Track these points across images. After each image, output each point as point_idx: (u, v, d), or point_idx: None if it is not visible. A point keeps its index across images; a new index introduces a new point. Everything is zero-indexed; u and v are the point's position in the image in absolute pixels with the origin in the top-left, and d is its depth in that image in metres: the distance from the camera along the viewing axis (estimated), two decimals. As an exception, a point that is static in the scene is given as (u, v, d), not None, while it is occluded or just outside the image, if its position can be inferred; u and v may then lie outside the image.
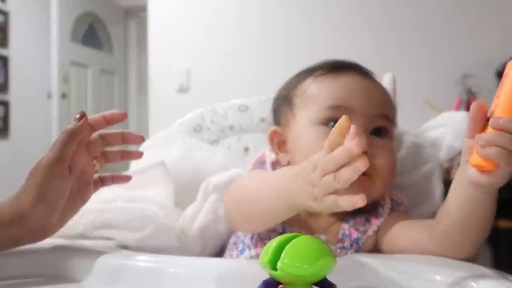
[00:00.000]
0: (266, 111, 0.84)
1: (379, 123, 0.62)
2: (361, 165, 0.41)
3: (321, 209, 0.45)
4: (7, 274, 0.54)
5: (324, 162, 0.44)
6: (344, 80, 0.64)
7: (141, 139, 0.63)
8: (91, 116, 0.60)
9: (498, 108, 0.42)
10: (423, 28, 2.23)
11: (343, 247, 0.61)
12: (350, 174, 0.42)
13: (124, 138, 0.62)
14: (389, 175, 0.62)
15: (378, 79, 0.69)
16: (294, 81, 0.70)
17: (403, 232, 0.58)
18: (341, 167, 0.42)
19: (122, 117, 0.61)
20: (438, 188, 0.71)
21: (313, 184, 0.44)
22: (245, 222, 0.60)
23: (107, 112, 0.61)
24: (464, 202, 0.50)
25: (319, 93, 0.64)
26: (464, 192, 0.49)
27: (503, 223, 1.65)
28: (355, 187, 0.58)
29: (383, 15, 2.30)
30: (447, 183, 2.01)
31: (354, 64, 0.68)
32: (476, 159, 0.43)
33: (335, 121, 0.61)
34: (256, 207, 0.56)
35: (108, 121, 0.61)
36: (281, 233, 0.61)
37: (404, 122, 0.78)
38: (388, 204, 0.64)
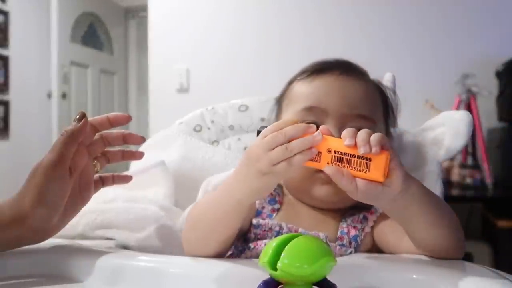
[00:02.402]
0: (266, 111, 0.84)
1: (354, 124, 0.62)
2: (315, 136, 0.45)
3: (271, 181, 0.47)
4: (7, 274, 0.54)
5: (271, 137, 0.46)
6: (319, 82, 0.65)
7: (142, 140, 0.63)
8: (94, 117, 0.60)
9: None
10: (423, 28, 2.24)
11: (342, 245, 0.61)
12: (301, 142, 0.45)
13: (125, 138, 0.62)
14: None
15: (365, 78, 0.68)
16: (285, 85, 0.72)
17: (391, 229, 0.59)
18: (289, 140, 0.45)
19: (126, 120, 0.61)
20: (437, 187, 0.71)
21: (257, 159, 0.46)
22: (199, 240, 0.56)
23: (111, 114, 0.61)
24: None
25: (296, 96, 0.67)
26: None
27: (503, 223, 1.65)
28: (327, 186, 0.60)
29: (382, 15, 2.30)
30: (447, 183, 2.01)
31: (339, 63, 0.68)
32: None
33: (308, 123, 0.62)
34: (209, 218, 0.54)
35: (112, 123, 0.60)
36: (278, 232, 0.61)
37: (404, 122, 0.78)
38: None
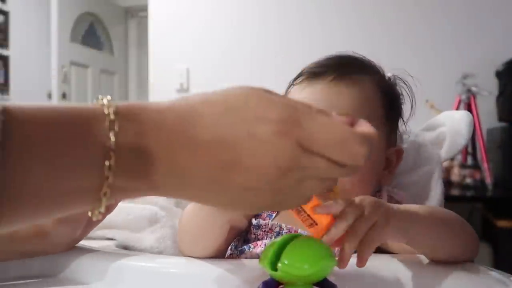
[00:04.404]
0: (266, 111, 0.84)
1: None
2: None
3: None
4: (8, 275, 0.54)
5: None
6: (309, 90, 0.64)
7: None
8: None
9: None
10: (423, 28, 2.23)
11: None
12: None
13: None
14: (358, 183, 0.60)
15: (363, 79, 0.65)
16: (287, 87, 0.70)
17: None
18: None
19: None
20: (438, 187, 0.71)
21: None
22: (188, 247, 0.56)
23: None
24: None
25: None
26: None
27: (503, 223, 1.65)
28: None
29: (382, 15, 2.30)
30: (447, 183, 2.01)
31: (336, 64, 0.66)
32: None
33: None
34: (192, 232, 0.54)
35: None
36: (279, 233, 0.61)
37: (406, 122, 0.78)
38: (384, 199, 0.65)
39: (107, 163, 0.29)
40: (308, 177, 0.33)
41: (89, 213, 0.33)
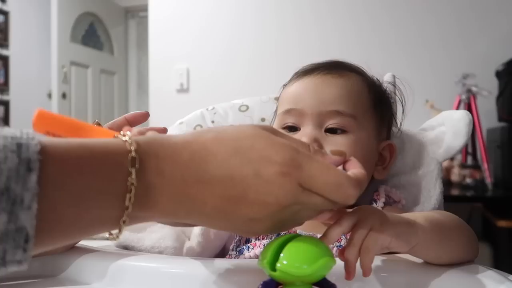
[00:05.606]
0: (267, 111, 0.84)
1: (331, 121, 0.62)
2: None
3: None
4: (7, 275, 0.54)
5: None
6: (298, 84, 0.67)
7: (147, 115, 0.60)
8: (113, 121, 0.58)
9: None
10: (423, 28, 2.24)
11: (340, 246, 0.61)
12: None
13: (129, 121, 0.59)
14: None
15: (350, 74, 0.66)
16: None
17: None
18: None
19: (144, 118, 0.59)
20: (437, 187, 0.71)
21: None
22: None
23: (129, 114, 0.59)
24: None
25: (281, 100, 0.69)
26: None
27: (503, 223, 1.65)
28: None
29: (382, 15, 2.30)
30: (447, 183, 2.01)
31: (327, 63, 0.69)
32: None
33: (289, 127, 0.64)
34: None
35: (131, 123, 0.59)
36: (278, 233, 0.61)
37: (404, 122, 0.78)
38: (382, 199, 0.65)
39: (128, 195, 0.33)
40: (304, 209, 0.38)
41: (107, 235, 0.37)
